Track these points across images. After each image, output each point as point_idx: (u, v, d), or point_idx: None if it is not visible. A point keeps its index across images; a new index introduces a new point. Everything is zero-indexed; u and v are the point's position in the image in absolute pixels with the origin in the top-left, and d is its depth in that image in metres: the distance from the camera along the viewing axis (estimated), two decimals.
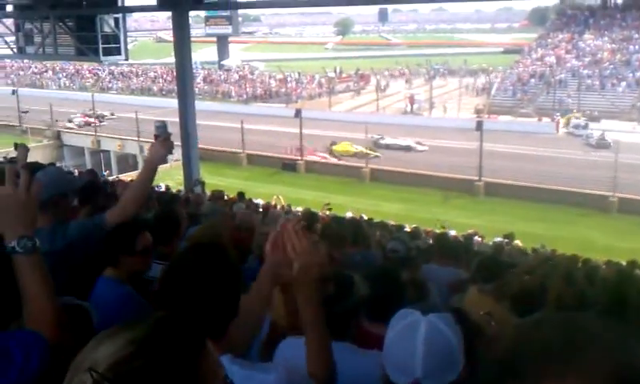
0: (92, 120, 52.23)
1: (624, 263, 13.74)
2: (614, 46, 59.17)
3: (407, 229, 17.27)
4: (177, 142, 27.87)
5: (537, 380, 0.92)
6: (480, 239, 19.30)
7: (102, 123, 52.75)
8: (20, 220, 1.84)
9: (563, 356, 0.92)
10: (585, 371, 0.90)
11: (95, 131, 50.10)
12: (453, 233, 20.38)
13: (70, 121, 53.99)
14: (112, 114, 54.84)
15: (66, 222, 3.37)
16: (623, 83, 53.43)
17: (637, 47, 57.57)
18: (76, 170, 23.31)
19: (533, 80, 57.64)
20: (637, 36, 58.95)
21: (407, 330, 1.81)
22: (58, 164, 22.37)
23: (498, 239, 19.56)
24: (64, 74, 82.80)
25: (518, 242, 18.19)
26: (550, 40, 65.08)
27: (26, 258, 1.82)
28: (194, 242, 2.68)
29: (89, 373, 0.98)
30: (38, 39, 21.64)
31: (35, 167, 3.38)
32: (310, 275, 2.03)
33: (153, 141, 3.41)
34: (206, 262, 1.95)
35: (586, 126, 45.63)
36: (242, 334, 2.13)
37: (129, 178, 23.71)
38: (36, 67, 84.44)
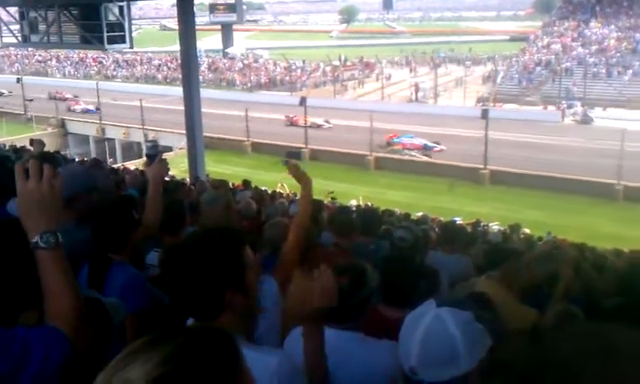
0: None
1: (630, 252, 13.69)
2: (620, 34, 58.75)
3: (413, 217, 17.28)
4: (182, 131, 27.96)
5: None
6: (486, 227, 19.23)
7: None
8: (43, 215, 1.82)
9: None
10: None
11: (100, 119, 50.08)
12: (459, 220, 20.36)
13: None
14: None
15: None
16: (629, 71, 53.16)
17: None
18: (77, 158, 23.35)
19: (538, 68, 57.39)
20: None
21: (414, 318, 1.81)
22: (62, 152, 22.43)
23: (496, 227, 19.55)
24: (68, 63, 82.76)
25: (525, 231, 18.13)
26: (555, 28, 64.66)
27: (48, 253, 1.80)
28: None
29: None
30: (42, 27, 21.59)
31: (49, 157, 3.41)
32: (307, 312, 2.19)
33: (146, 161, 3.72)
34: (210, 242, 1.95)
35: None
36: None
37: (133, 167, 23.75)
38: (40, 55, 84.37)
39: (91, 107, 54.09)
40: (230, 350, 1.04)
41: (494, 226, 20.43)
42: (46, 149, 6.37)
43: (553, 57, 57.99)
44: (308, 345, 2.21)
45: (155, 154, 3.58)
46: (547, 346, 0.99)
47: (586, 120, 45.91)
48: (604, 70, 54.22)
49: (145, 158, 3.63)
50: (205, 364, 0.98)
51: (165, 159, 3.64)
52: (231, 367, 1.02)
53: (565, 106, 48.63)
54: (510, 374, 1.03)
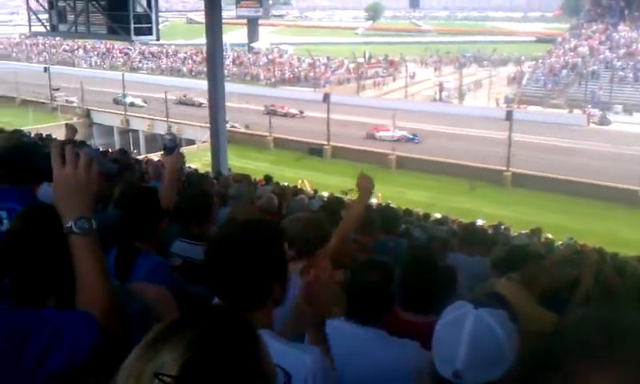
0: None
1: None
2: None
3: (432, 218, 17.21)
4: (206, 124, 28.04)
5: (579, 374, 0.92)
6: (507, 230, 19.06)
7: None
8: (79, 200, 1.86)
9: (607, 350, 0.92)
10: (629, 364, 0.90)
11: (125, 111, 50.45)
12: (480, 222, 20.23)
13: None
14: None
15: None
16: None
17: None
18: (101, 148, 23.53)
19: (565, 71, 56.80)
20: None
21: (455, 321, 1.81)
22: (88, 142, 22.62)
23: (524, 232, 19.38)
24: (95, 53, 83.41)
25: (547, 235, 17.96)
26: (583, 30, 63.99)
27: (82, 238, 1.83)
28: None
29: (157, 379, 0.94)
30: (70, 17, 21.74)
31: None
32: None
33: (164, 153, 3.82)
34: (257, 234, 1.98)
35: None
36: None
37: (157, 158, 23.88)
38: (67, 45, 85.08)
39: (409, 135, 42.19)
40: (249, 331, 1.08)
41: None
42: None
43: (579, 60, 57.36)
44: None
45: (174, 146, 3.61)
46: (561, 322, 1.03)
47: (603, 121, 46.23)
48: (631, 74, 53.55)
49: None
50: (229, 346, 1.01)
51: (182, 152, 3.67)
52: (252, 348, 1.05)
53: (589, 109, 48.15)
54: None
